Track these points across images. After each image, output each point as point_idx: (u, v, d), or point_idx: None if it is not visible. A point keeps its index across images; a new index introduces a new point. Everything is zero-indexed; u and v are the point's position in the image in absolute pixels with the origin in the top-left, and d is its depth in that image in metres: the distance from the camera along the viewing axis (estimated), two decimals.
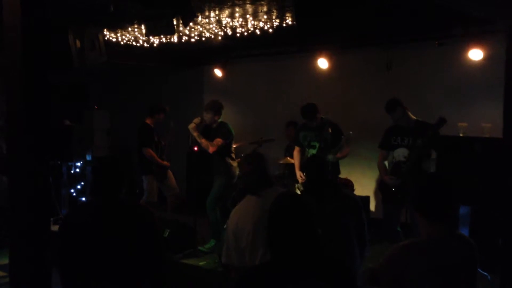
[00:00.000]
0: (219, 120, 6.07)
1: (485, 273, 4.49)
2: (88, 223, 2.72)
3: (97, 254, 2.65)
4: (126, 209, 2.80)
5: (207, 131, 6.07)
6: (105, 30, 6.51)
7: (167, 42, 7.15)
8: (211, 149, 5.87)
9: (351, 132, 5.69)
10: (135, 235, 2.69)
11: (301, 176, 5.84)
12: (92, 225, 2.71)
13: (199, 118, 6.10)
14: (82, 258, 2.68)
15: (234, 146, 6.39)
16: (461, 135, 5.43)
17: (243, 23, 6.17)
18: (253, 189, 3.37)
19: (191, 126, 6.00)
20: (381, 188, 5.35)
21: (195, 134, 5.96)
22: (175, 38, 6.89)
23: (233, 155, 6.18)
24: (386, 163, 5.30)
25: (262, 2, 5.38)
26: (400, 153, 5.06)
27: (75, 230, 2.75)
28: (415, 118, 5.14)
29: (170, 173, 7.01)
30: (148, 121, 6.82)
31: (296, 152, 6.03)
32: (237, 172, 6.22)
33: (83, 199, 7.08)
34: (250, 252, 3.10)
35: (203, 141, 5.92)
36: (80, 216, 2.83)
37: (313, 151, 5.74)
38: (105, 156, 6.42)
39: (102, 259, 2.64)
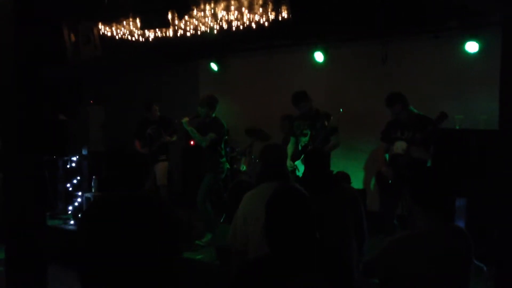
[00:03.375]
0: (213, 115, 6.08)
1: (481, 265, 4.51)
2: (116, 218, 2.61)
3: (122, 251, 2.55)
4: (152, 203, 2.73)
5: (201, 126, 6.07)
6: (99, 24, 6.47)
7: (162, 36, 7.12)
8: (204, 144, 5.92)
9: (341, 110, 5.68)
10: (161, 231, 2.62)
11: (292, 165, 5.89)
12: (120, 220, 2.60)
13: (192, 114, 6.13)
14: (106, 255, 2.57)
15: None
16: (457, 127, 5.44)
17: (239, 16, 6.14)
18: (270, 177, 3.34)
19: (185, 120, 6.01)
20: (379, 180, 5.36)
21: (189, 128, 5.97)
22: (170, 32, 6.86)
23: (222, 151, 6.20)
24: (387, 156, 5.31)
25: None
26: (399, 146, 5.06)
27: (100, 226, 2.63)
28: (416, 112, 5.14)
29: (160, 165, 7.03)
30: (146, 114, 7.10)
31: (289, 144, 6.07)
32: (226, 167, 6.24)
33: (79, 193, 7.07)
34: (257, 238, 3.08)
35: (197, 136, 5.96)
36: (104, 210, 2.71)
37: (305, 139, 5.79)
38: (123, 149, 6.47)
39: (126, 257, 2.55)
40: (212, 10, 5.92)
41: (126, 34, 7.13)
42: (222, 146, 6.19)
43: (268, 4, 5.72)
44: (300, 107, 5.79)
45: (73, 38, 3.88)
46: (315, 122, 5.74)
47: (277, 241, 2.06)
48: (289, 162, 5.96)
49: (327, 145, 5.65)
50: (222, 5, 5.72)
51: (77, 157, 7.24)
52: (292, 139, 6.07)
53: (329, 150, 5.67)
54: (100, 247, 2.58)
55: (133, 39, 7.32)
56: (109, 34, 6.99)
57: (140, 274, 2.53)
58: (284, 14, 6.01)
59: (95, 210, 2.77)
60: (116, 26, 6.74)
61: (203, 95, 6.38)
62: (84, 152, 7.28)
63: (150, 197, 2.75)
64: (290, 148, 6.05)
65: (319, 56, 7.22)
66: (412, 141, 4.91)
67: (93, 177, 7.04)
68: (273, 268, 2.02)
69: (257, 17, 6.18)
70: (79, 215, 5.78)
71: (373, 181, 7.04)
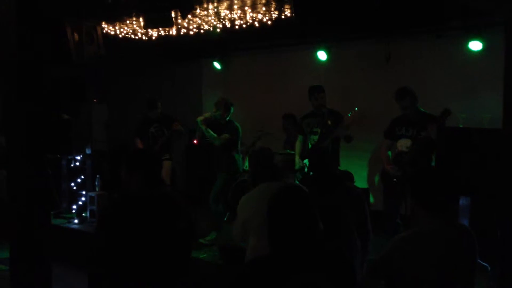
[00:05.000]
0: (228, 118, 6.15)
1: (485, 264, 4.50)
2: (140, 215, 2.60)
3: (142, 248, 2.54)
4: (173, 202, 2.75)
5: (215, 127, 6.12)
6: (103, 23, 6.48)
7: (165, 35, 7.13)
8: (218, 142, 5.99)
9: (356, 109, 5.64)
10: (179, 229, 2.63)
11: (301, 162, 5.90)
12: (143, 218, 2.59)
13: (210, 112, 6.18)
14: (123, 252, 2.54)
15: None
16: (460, 126, 5.42)
17: (242, 15, 6.14)
18: (270, 177, 3.42)
19: (201, 118, 6.08)
20: (383, 179, 5.35)
21: (203, 126, 6.03)
22: (173, 31, 6.87)
23: (238, 152, 6.27)
24: (390, 153, 5.30)
25: None
26: (403, 144, 5.05)
27: (124, 223, 2.60)
28: (422, 110, 5.14)
29: (164, 165, 7.00)
30: (148, 113, 7.04)
31: (298, 142, 6.08)
32: (241, 167, 6.30)
33: (83, 192, 7.08)
34: (258, 238, 3.09)
35: (211, 134, 6.02)
36: (128, 209, 2.68)
37: (315, 137, 5.79)
38: (127, 148, 6.47)
39: (146, 254, 2.54)
40: (215, 9, 5.92)
41: (130, 33, 7.14)
42: (238, 148, 6.28)
43: (271, 3, 5.71)
44: (319, 97, 5.78)
45: (76, 37, 3.90)
46: (325, 120, 5.74)
47: (279, 240, 2.06)
48: (297, 159, 5.98)
49: (341, 130, 5.59)
50: (225, 4, 5.72)
51: (81, 156, 7.25)
52: (300, 137, 6.07)
53: (342, 135, 5.64)
54: (118, 245, 2.59)
55: (137, 38, 7.33)
56: (112, 33, 7.00)
57: (156, 270, 2.54)
58: (287, 13, 6.01)
59: (114, 210, 2.77)
60: (120, 25, 6.75)
61: (219, 97, 6.42)
62: (88, 151, 7.28)
63: (168, 196, 2.77)
64: (298, 146, 6.06)
65: (322, 55, 7.21)
66: (417, 139, 4.90)
67: (97, 176, 7.05)
68: (274, 267, 2.02)
69: (260, 16, 6.18)
70: (98, 214, 5.83)
71: (377, 178, 7.04)
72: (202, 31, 6.83)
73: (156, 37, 7.28)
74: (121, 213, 2.65)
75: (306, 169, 5.83)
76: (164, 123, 6.99)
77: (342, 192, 3.60)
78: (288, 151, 6.75)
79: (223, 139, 6.00)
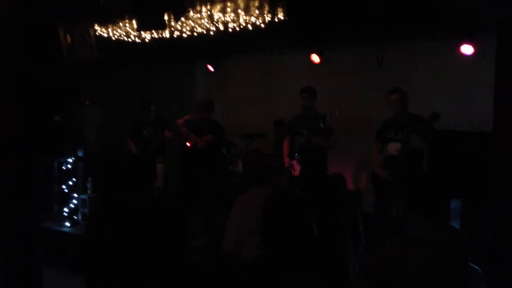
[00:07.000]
0: (212, 118, 6.11)
1: (476, 267, 4.52)
2: (124, 219, 2.60)
3: (129, 252, 2.54)
4: (163, 206, 2.75)
5: (198, 128, 6.07)
6: (96, 25, 6.46)
7: (158, 38, 7.12)
8: (200, 143, 5.92)
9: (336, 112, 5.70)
10: (170, 233, 2.63)
11: (289, 163, 5.91)
12: (128, 222, 2.59)
13: (190, 115, 6.14)
14: (114, 256, 2.55)
15: None
16: (451, 129, 5.45)
17: (235, 18, 6.15)
18: (258, 181, 3.40)
19: (180, 121, 6.02)
20: (373, 181, 5.37)
21: (183, 130, 5.98)
22: (166, 34, 6.86)
23: (223, 154, 6.23)
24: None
25: None
26: (393, 147, 5.07)
27: (109, 227, 2.61)
28: (410, 112, 5.17)
29: (157, 167, 6.99)
30: (142, 115, 7.03)
31: (285, 142, 6.09)
32: (227, 168, 6.27)
33: (75, 195, 7.04)
34: (250, 241, 3.09)
35: (192, 137, 5.96)
36: (114, 212, 2.69)
37: (301, 139, 5.80)
38: (139, 152, 6.49)
39: (133, 257, 2.54)
40: (209, 12, 5.92)
41: (123, 36, 7.12)
42: (222, 149, 6.24)
43: (264, 6, 5.72)
44: (310, 100, 5.84)
45: (69, 39, 3.89)
46: (312, 122, 5.76)
47: (273, 244, 2.07)
48: (287, 159, 5.99)
49: (327, 142, 5.64)
50: (218, 6, 5.72)
51: (73, 158, 7.21)
52: (287, 138, 6.08)
53: (329, 148, 5.68)
54: (109, 248, 2.57)
55: (130, 40, 7.31)
56: (105, 35, 6.98)
57: (150, 274, 2.53)
58: (280, 15, 6.02)
59: (105, 212, 2.75)
60: (112, 27, 6.73)
61: (200, 98, 6.39)
62: (80, 153, 7.25)
63: (158, 200, 2.77)
64: (285, 147, 6.07)
65: (315, 58, 7.23)
66: (407, 142, 4.93)
67: (89, 178, 7.02)
68: (268, 270, 2.03)
69: (253, 19, 6.19)
70: (88, 217, 5.82)
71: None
72: (195, 33, 6.82)
73: (149, 40, 7.27)
74: (109, 217, 2.65)
75: (293, 171, 5.84)
76: (159, 125, 6.98)
77: (335, 194, 3.61)
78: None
79: (207, 140, 5.93)
